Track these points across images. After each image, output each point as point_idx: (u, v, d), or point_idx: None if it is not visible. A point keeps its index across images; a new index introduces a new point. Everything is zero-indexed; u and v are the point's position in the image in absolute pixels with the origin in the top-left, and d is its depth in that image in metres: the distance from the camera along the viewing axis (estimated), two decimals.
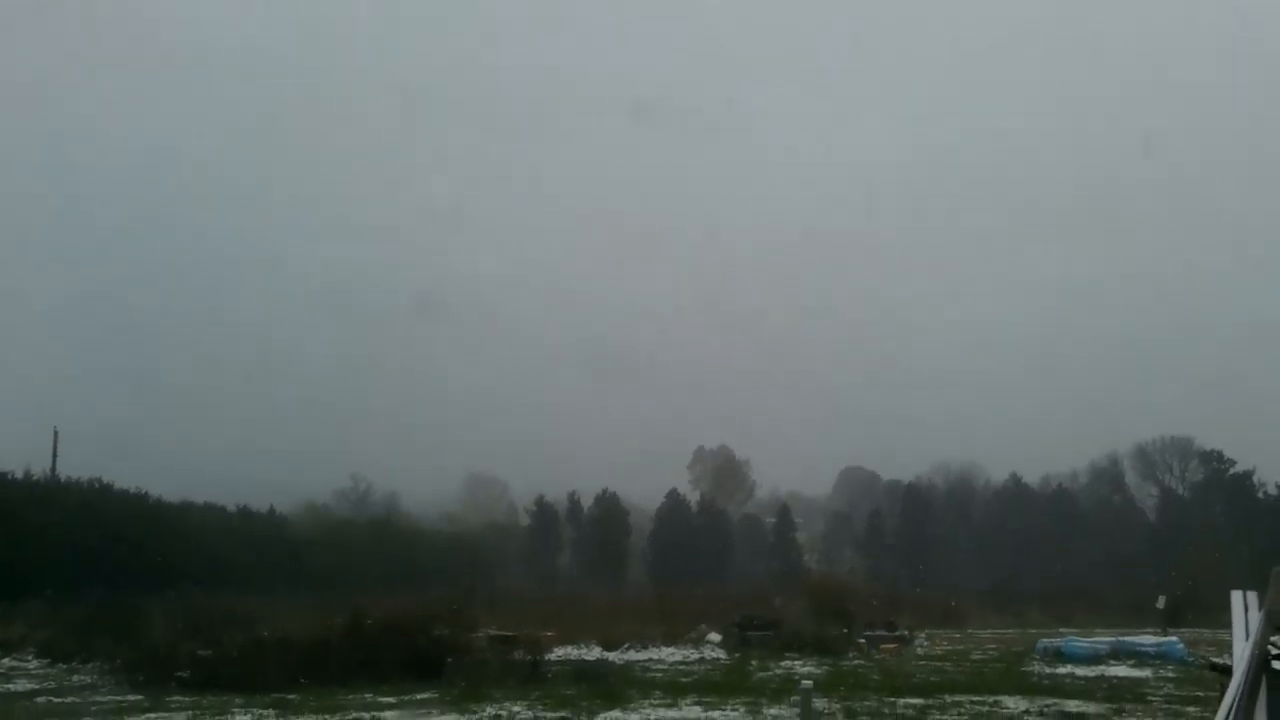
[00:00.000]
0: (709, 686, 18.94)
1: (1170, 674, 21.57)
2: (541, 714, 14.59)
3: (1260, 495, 72.64)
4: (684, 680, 20.43)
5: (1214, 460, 77.48)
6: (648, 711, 14.89)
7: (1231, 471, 75.86)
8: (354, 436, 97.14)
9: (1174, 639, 26.87)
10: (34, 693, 18.94)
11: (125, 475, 48.28)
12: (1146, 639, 27.13)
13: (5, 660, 25.04)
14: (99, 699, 17.64)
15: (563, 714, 14.51)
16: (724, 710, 14.97)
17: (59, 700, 17.41)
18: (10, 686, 20.21)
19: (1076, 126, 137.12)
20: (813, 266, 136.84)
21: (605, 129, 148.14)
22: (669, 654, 27.05)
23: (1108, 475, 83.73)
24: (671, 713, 14.75)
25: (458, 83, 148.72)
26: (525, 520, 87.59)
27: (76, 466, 46.48)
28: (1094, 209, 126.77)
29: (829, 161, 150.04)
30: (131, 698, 17.75)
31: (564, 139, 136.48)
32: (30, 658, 25.47)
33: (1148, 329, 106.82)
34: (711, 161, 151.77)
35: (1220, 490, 76.39)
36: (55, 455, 44.76)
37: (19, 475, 43.18)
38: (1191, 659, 23.87)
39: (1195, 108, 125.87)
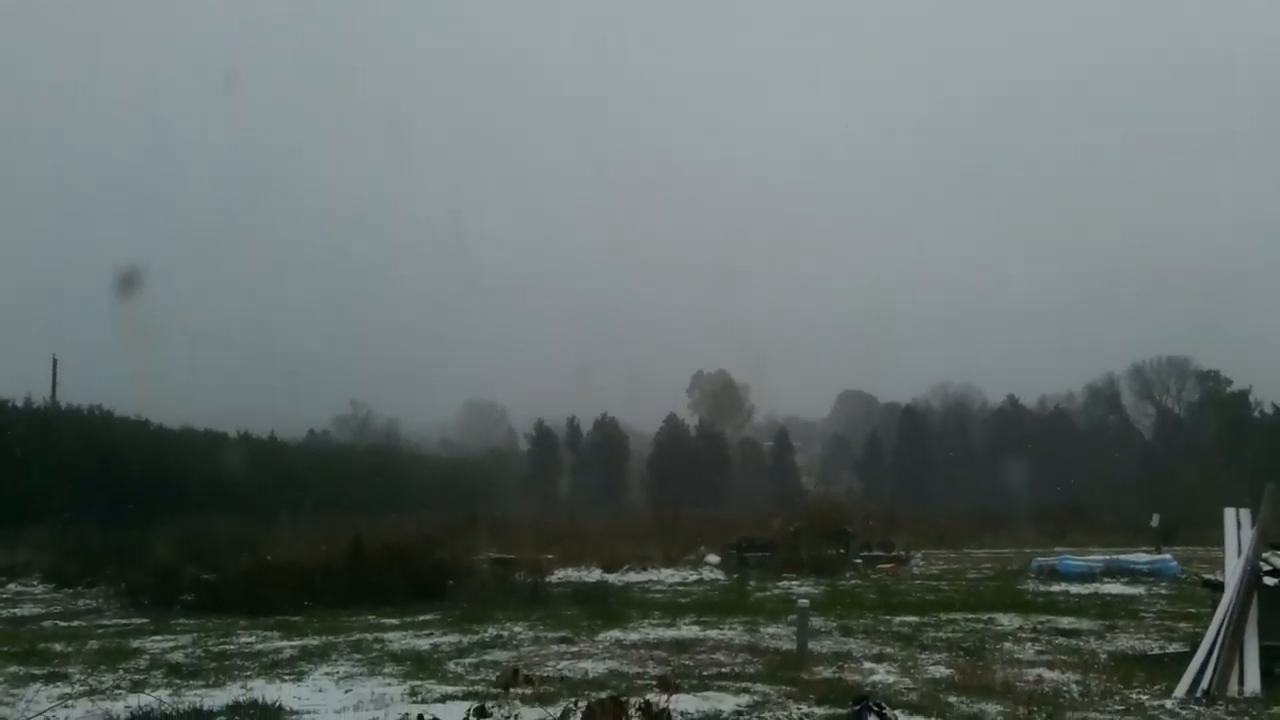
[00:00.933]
0: (708, 606, 19.14)
1: (1163, 591, 21.81)
2: (542, 634, 14.76)
3: (1257, 415, 72.90)
4: (683, 601, 20.64)
5: (1211, 380, 77.62)
6: (647, 631, 15.06)
7: (1228, 391, 76.04)
8: (353, 363, 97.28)
9: (1167, 556, 27.14)
10: (40, 616, 19.14)
11: (125, 404, 48.44)
12: (1140, 557, 27.37)
13: (11, 585, 25.28)
14: (105, 622, 17.84)
15: (563, 634, 14.67)
16: (722, 629, 15.15)
17: (65, 624, 17.60)
18: (16, 610, 20.41)
19: (1064, 46, 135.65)
20: (810, 192, 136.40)
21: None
22: (668, 575, 27.28)
23: (1104, 396, 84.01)
24: (670, 632, 14.92)
25: None
26: (525, 445, 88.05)
27: (76, 395, 46.63)
28: (1088, 127, 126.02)
29: (823, 83, 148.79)
30: (137, 621, 17.95)
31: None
32: (36, 582, 25.72)
33: (1145, 250, 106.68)
34: (701, 76, 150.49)
35: (1216, 410, 76.62)
36: (55, 383, 44.82)
37: (19, 404, 43.29)
38: (1184, 576, 24.14)
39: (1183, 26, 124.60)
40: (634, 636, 14.41)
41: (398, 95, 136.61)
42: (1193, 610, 16.55)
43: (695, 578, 26.98)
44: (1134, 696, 9.91)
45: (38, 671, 11.46)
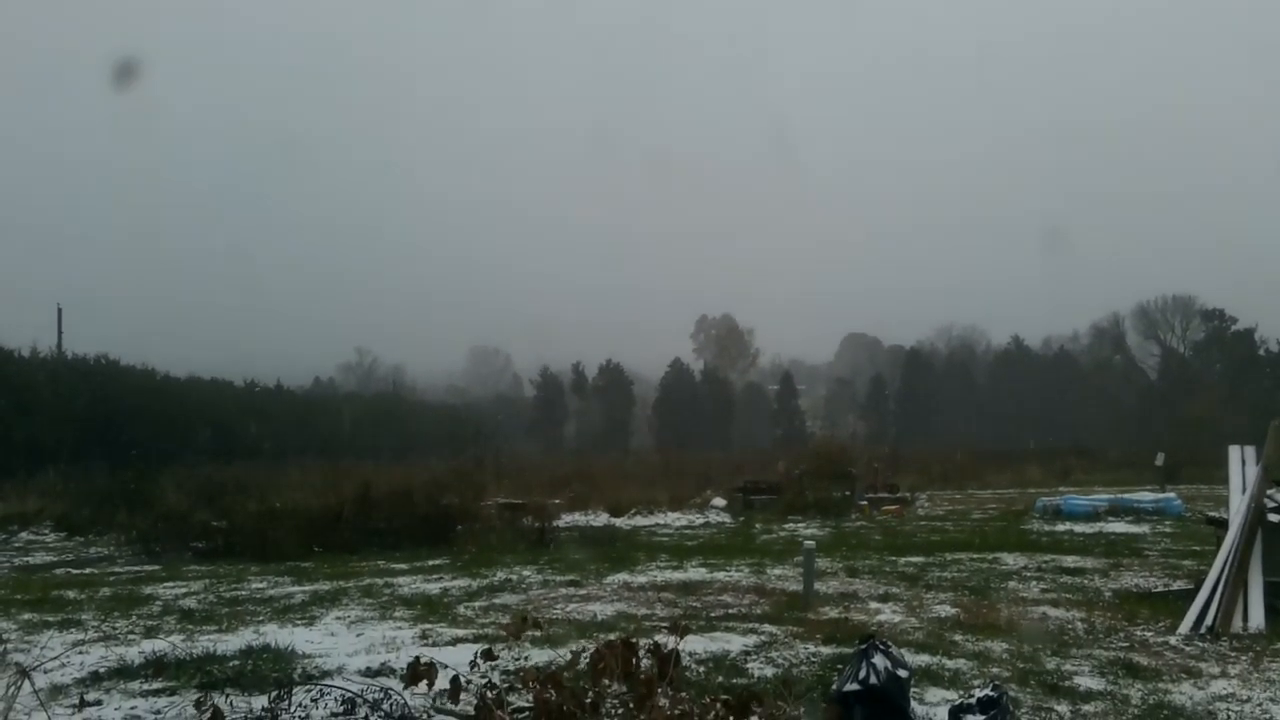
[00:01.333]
0: (714, 549, 19.25)
1: (1168, 529, 21.90)
2: (550, 577, 14.85)
3: (1261, 353, 72.81)
4: (689, 544, 20.76)
5: (1215, 318, 77.45)
6: (654, 574, 15.15)
7: (1233, 329, 75.89)
8: (358, 311, 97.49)
9: (1172, 495, 27.23)
10: (52, 564, 19.27)
11: (132, 352, 48.56)
12: (1145, 495, 27.48)
13: (22, 534, 25.43)
14: (116, 569, 17.96)
15: (571, 577, 14.76)
16: (729, 571, 15.23)
17: (77, 572, 17.72)
18: (29, 559, 20.55)
19: None
20: (808, 134, 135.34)
21: None
22: (674, 519, 27.43)
23: (1109, 335, 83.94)
24: (677, 574, 15.01)
25: None
26: (530, 391, 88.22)
27: (83, 344, 46.75)
28: (1090, 54, 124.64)
29: (820, 34, 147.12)
30: (149, 568, 18.07)
31: None
32: (47, 531, 25.86)
33: (1150, 187, 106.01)
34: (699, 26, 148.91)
35: (1221, 348, 76.53)
36: (60, 332, 44.93)
37: (25, 353, 43.38)
38: (1189, 514, 24.22)
39: None
40: (641, 579, 14.50)
41: (394, 53, 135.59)
42: (1197, 548, 16.63)
43: (701, 521, 27.12)
44: (1138, 633, 9.98)
45: (51, 618, 11.57)
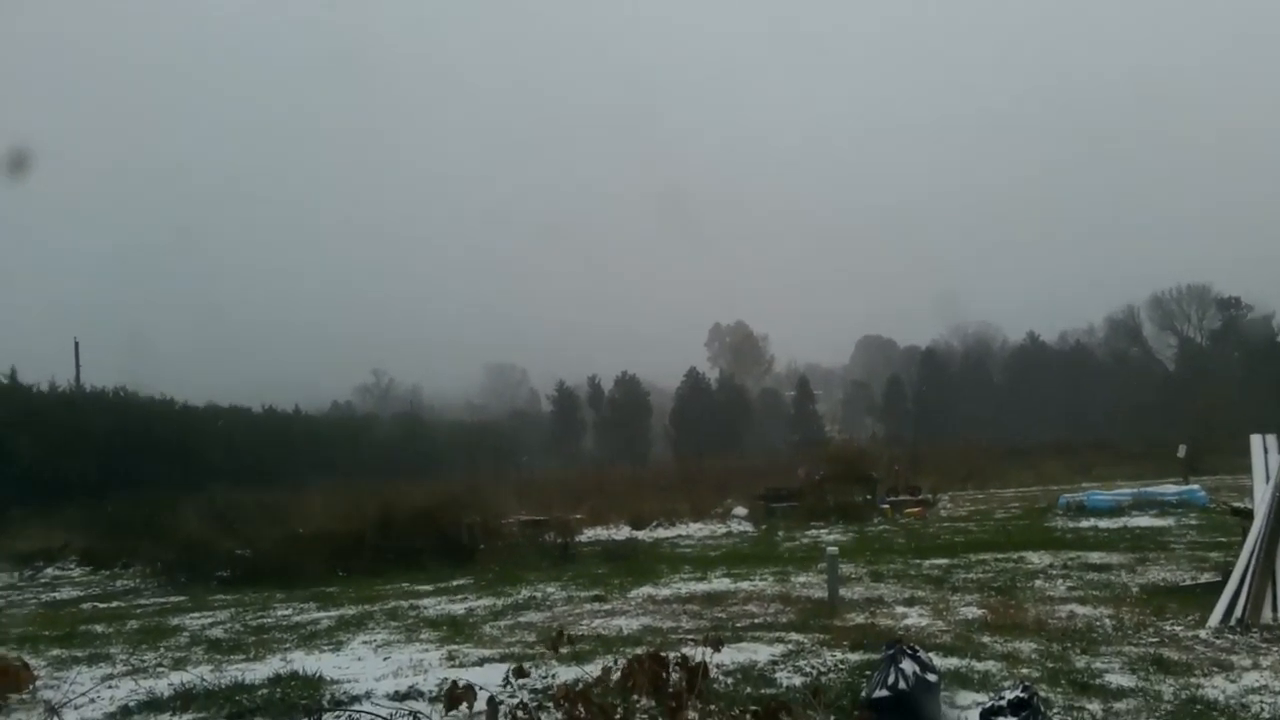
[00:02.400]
0: (737, 559, 19.23)
1: (1192, 521, 21.79)
2: (575, 593, 14.85)
3: None
4: (712, 554, 20.73)
5: (1232, 306, 76.93)
6: (678, 586, 15.13)
7: (1250, 316, 75.40)
8: (374, 333, 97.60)
9: (1195, 486, 27.10)
10: (79, 599, 19.36)
11: (149, 383, 48.85)
12: (1168, 488, 27.35)
13: (49, 570, 25.57)
14: (143, 601, 18.04)
15: (595, 592, 14.76)
16: (753, 581, 15.21)
17: (104, 605, 17.80)
18: (56, 594, 20.66)
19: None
20: (820, 136, 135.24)
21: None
22: (696, 529, 27.41)
23: (1125, 327, 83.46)
24: (701, 586, 14.99)
25: None
26: (547, 406, 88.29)
27: (101, 376, 47.07)
28: (1101, 53, 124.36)
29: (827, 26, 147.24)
30: (175, 599, 18.15)
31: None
32: (73, 565, 26.01)
33: (1165, 175, 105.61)
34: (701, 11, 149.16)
35: (1239, 336, 76.04)
36: (78, 366, 45.23)
37: (44, 388, 43.70)
38: (1213, 505, 24.08)
39: None
40: (665, 592, 14.48)
41: (411, 69, 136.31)
42: (1223, 539, 16.51)
43: (723, 530, 27.09)
44: (1168, 628, 9.92)
45: (80, 654, 11.62)
